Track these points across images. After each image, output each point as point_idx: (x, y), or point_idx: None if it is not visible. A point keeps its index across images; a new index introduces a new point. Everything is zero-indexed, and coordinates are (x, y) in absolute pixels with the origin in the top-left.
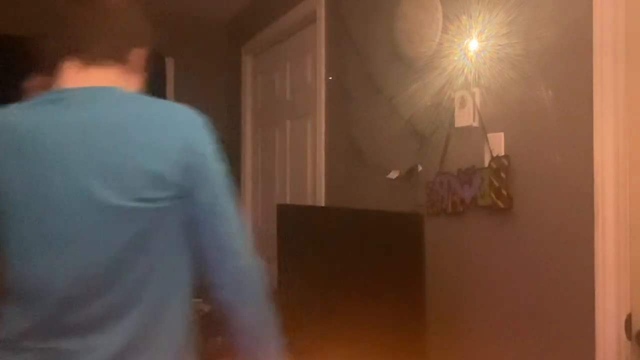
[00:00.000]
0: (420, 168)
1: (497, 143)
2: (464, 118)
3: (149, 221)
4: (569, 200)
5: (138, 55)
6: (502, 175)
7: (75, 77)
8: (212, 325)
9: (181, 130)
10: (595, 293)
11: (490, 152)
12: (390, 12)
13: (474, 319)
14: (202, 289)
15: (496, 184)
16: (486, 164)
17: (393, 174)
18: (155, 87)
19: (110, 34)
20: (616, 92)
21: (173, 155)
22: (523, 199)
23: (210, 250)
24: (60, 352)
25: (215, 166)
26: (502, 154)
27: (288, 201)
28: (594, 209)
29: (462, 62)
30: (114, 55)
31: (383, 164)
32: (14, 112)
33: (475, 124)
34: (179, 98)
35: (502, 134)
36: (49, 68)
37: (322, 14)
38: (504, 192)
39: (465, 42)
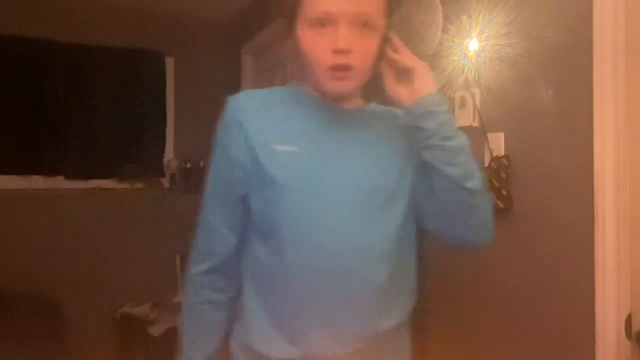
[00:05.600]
0: None
1: (497, 143)
2: (464, 118)
3: None
4: (569, 201)
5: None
6: (502, 175)
7: None
8: None
9: None
10: (595, 293)
11: (490, 152)
12: None
13: (474, 318)
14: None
15: (496, 184)
16: (486, 164)
17: None
18: (155, 87)
19: None
20: (616, 92)
21: None
22: (523, 199)
23: None
24: None
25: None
26: (502, 154)
27: None
28: (594, 209)
29: (462, 62)
30: None
31: None
32: None
33: (475, 124)
34: (179, 98)
35: (502, 134)
36: None
37: None
38: (504, 192)
39: (465, 42)
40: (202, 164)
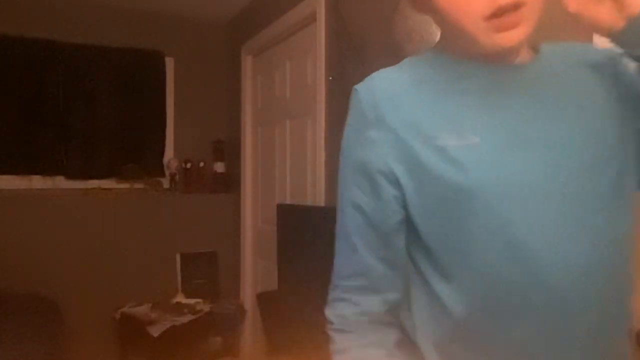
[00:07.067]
0: None
1: None
2: None
3: None
4: None
5: None
6: None
7: None
8: (212, 325)
9: None
10: None
11: None
12: (390, 12)
13: None
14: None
15: None
16: None
17: None
18: (155, 87)
19: None
20: None
21: None
22: None
23: None
24: None
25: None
26: None
27: (288, 201)
28: None
29: None
30: None
31: None
32: None
33: None
34: (178, 98)
35: None
36: None
37: (322, 14)
38: None
39: None
40: (201, 164)
